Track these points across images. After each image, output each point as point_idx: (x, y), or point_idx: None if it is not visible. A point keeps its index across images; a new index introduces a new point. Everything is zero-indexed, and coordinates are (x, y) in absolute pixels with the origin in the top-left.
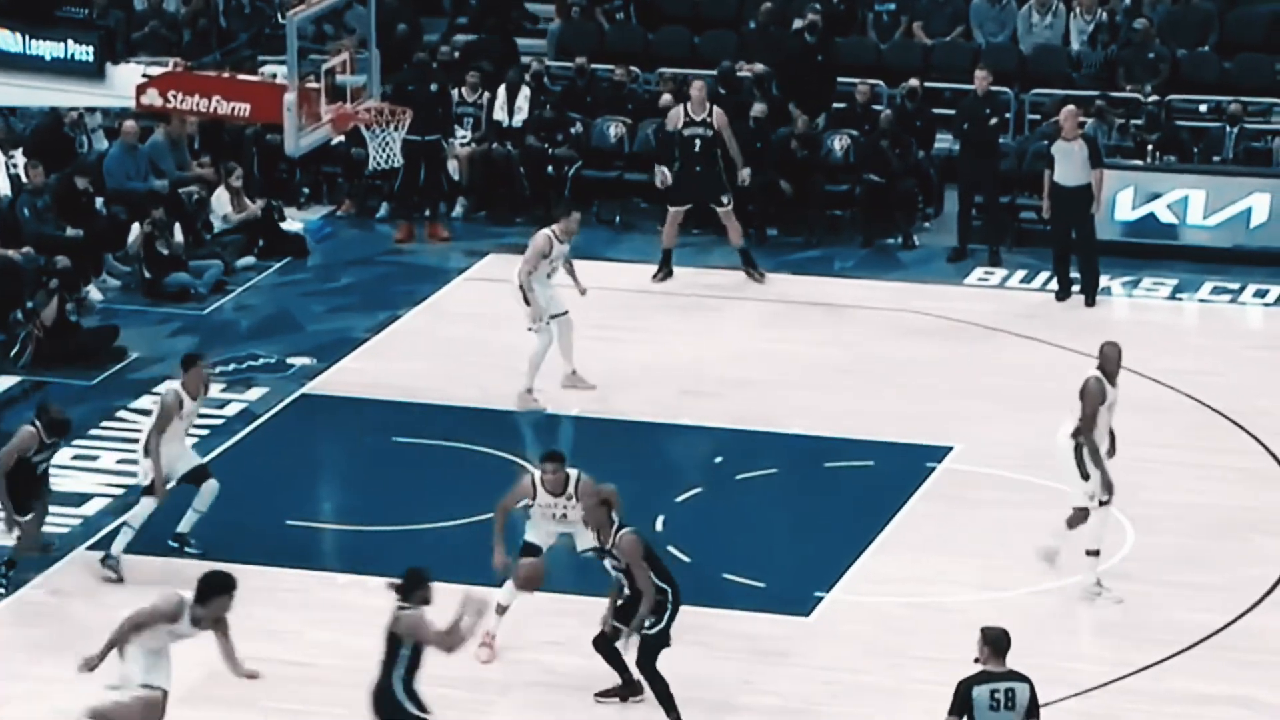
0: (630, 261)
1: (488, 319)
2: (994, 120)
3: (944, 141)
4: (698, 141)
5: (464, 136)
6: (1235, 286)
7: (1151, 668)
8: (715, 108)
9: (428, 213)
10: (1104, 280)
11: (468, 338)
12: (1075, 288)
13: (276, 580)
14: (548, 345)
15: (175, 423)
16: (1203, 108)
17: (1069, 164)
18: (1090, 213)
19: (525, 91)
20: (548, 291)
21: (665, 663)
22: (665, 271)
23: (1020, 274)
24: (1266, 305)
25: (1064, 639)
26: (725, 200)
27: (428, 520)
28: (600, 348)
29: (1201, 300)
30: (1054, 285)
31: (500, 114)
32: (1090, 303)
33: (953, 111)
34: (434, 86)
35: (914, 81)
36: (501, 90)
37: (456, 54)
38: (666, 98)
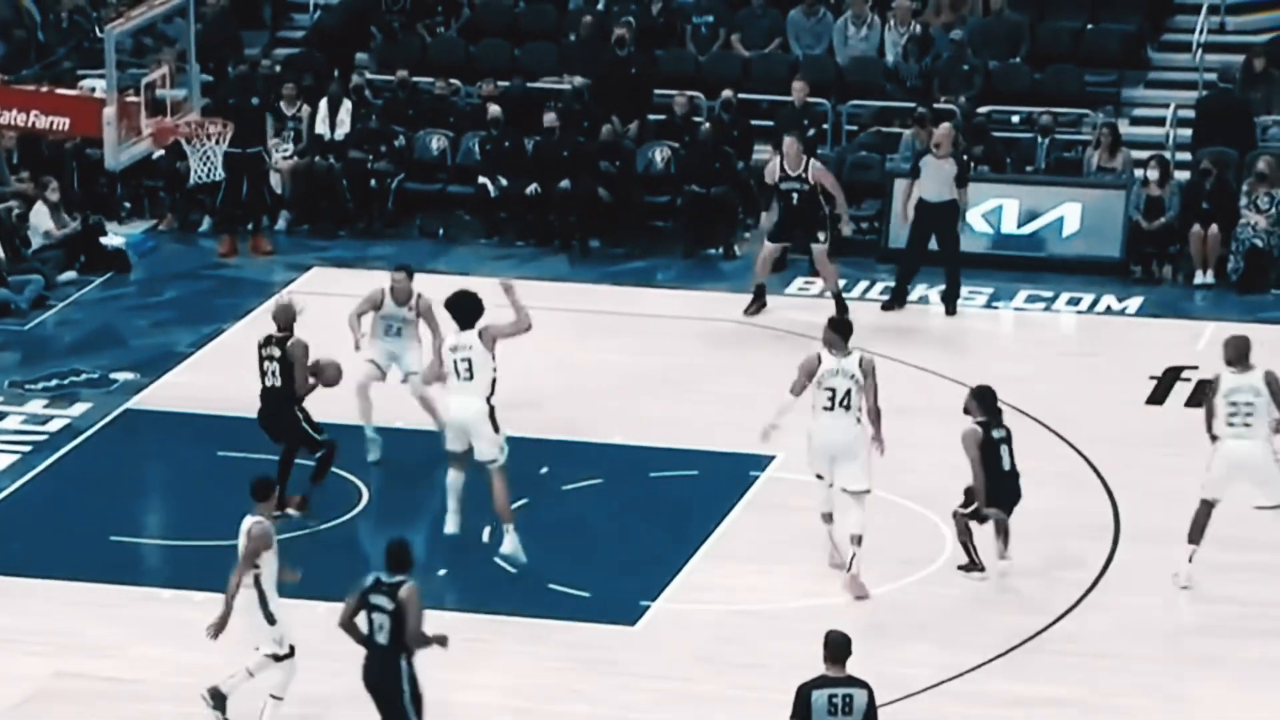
0: (454, 274)
1: (311, 332)
2: (811, 131)
3: (762, 153)
4: (794, 195)
5: (286, 150)
6: (1049, 294)
7: (973, 671)
8: (811, 160)
9: (250, 226)
10: (921, 289)
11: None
12: (910, 299)
13: (100, 596)
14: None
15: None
16: (1015, 118)
17: (937, 179)
18: (955, 227)
19: (347, 105)
20: (386, 345)
21: (490, 671)
22: (759, 304)
23: (841, 282)
24: (1079, 313)
25: (886, 644)
26: (821, 238)
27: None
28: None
29: (1016, 309)
30: (876, 294)
31: (322, 127)
32: (951, 311)
33: (771, 123)
34: (254, 99)
35: (729, 93)
36: (323, 104)
37: (278, 67)
38: (766, 154)
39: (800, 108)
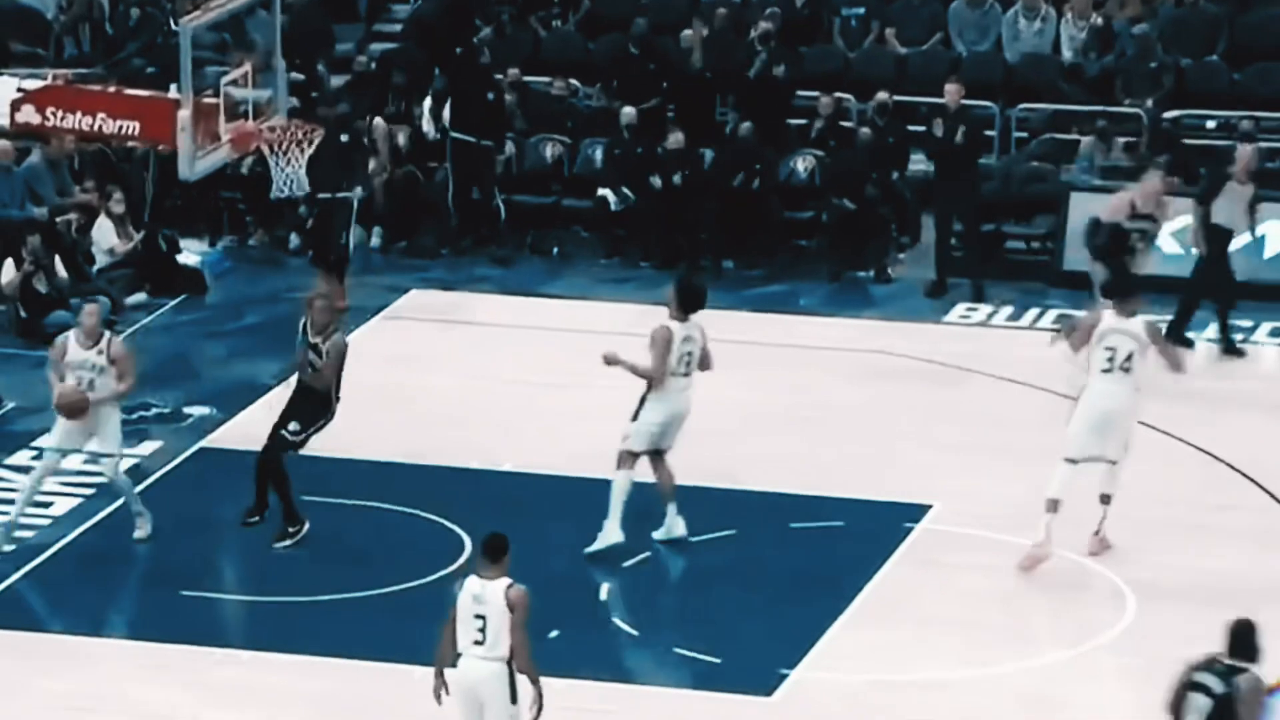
0: (569, 298)
1: (410, 363)
2: (961, 139)
3: (921, 163)
4: (1140, 235)
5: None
6: (1247, 324)
7: None
8: (1164, 199)
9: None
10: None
11: (387, 384)
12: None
13: (170, 658)
14: None
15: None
16: (1210, 124)
17: (1236, 208)
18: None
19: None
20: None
21: None
22: None
23: (1007, 310)
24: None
25: (1066, 717)
26: None
27: (341, 589)
28: (541, 395)
29: (1209, 340)
30: (1047, 323)
31: (427, 127)
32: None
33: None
34: (344, 136)
35: (884, 95)
36: (427, 103)
37: (373, 64)
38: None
39: (955, 113)
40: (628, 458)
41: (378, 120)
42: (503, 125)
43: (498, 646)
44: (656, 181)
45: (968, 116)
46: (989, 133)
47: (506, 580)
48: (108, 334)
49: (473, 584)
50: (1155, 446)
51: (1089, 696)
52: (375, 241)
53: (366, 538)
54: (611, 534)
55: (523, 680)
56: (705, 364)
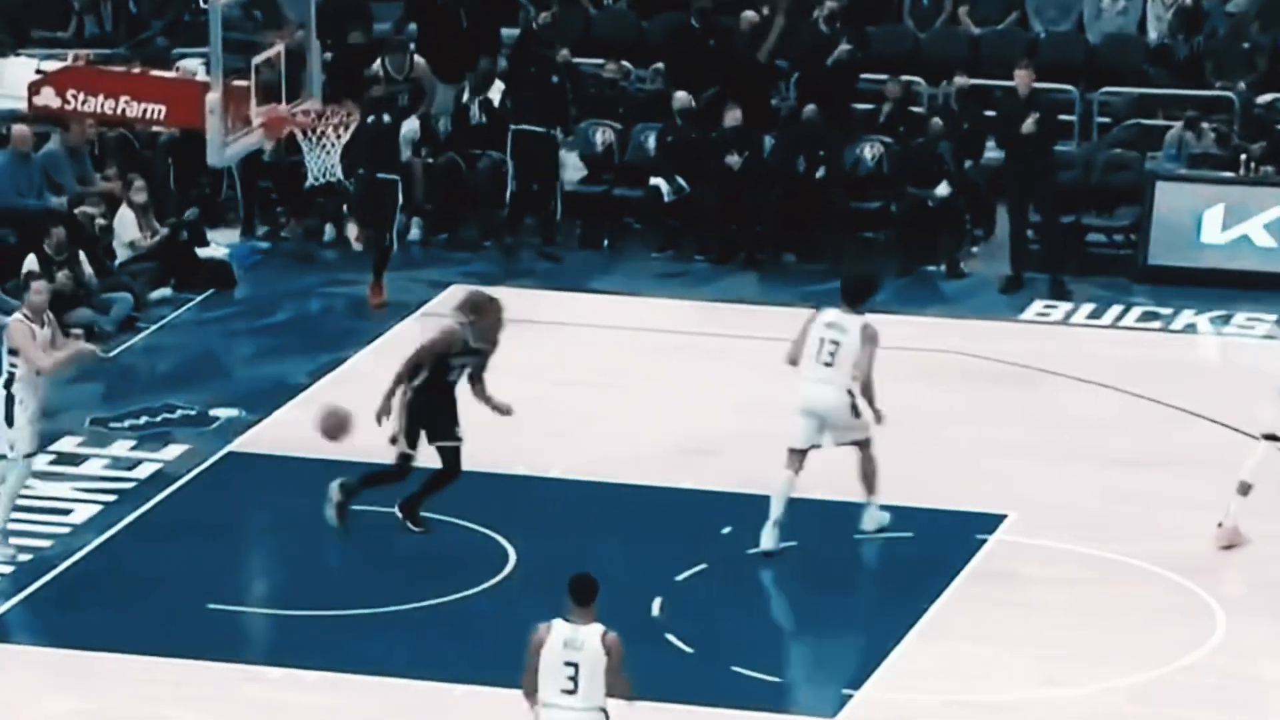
0: (620, 293)
1: None
2: (1033, 125)
3: (994, 151)
4: None
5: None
6: None
7: None
8: None
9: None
10: (1188, 315)
11: None
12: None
13: (196, 675)
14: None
15: None
16: None
17: None
18: None
19: (499, 85)
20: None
21: None
22: None
23: (1087, 308)
24: None
25: None
26: None
27: (377, 603)
28: (585, 396)
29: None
30: (1132, 321)
31: (472, 110)
32: None
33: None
34: (387, 117)
35: (962, 79)
36: (468, 85)
37: (413, 44)
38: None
39: (1025, 99)
40: (791, 456)
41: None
42: (566, 112)
43: (593, 696)
44: (732, 160)
45: (1041, 102)
46: (1067, 117)
47: (600, 626)
48: (50, 315)
49: (561, 629)
50: (1244, 453)
51: (1169, 717)
52: (415, 233)
53: (405, 548)
54: (766, 539)
55: None
56: (857, 366)
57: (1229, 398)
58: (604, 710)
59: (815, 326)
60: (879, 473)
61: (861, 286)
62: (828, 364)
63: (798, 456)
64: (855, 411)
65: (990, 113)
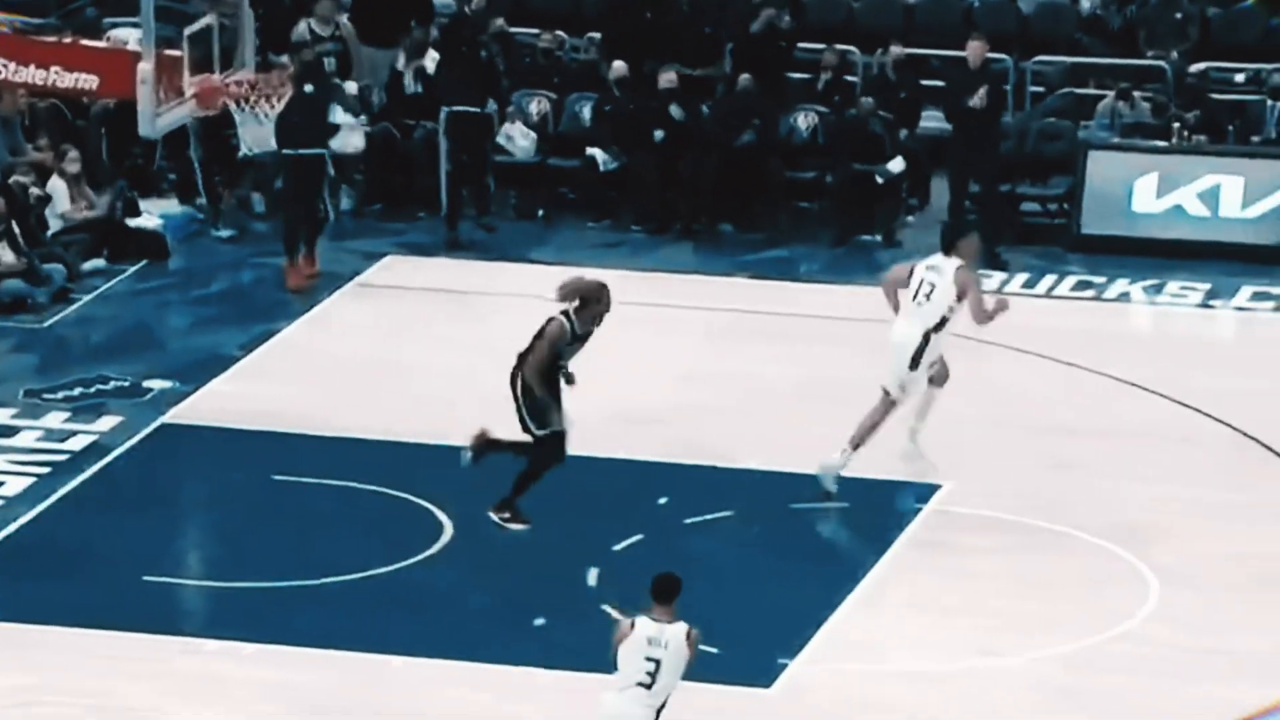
0: (555, 264)
1: (385, 333)
2: (983, 98)
3: (931, 120)
4: None
5: (353, 124)
6: (1278, 291)
7: None
8: None
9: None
10: (1121, 284)
11: (361, 356)
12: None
13: (132, 648)
14: None
15: None
16: (1239, 78)
17: None
18: None
19: (433, 55)
20: None
21: None
22: None
23: (1022, 277)
24: None
25: (1073, 714)
26: None
27: (314, 575)
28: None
29: (1239, 308)
30: (1066, 290)
31: (407, 78)
32: None
33: (940, 84)
34: (309, 87)
35: (897, 48)
36: (401, 55)
37: (345, 16)
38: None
39: (976, 71)
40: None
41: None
42: (499, 88)
43: (661, 694)
44: (658, 134)
45: (990, 75)
46: (1004, 87)
47: (684, 625)
48: None
49: (646, 627)
50: (1179, 423)
51: (1108, 688)
52: (347, 204)
53: (341, 520)
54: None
55: None
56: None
57: (1163, 367)
58: (658, 711)
59: (919, 269)
60: (873, 433)
61: (956, 234)
62: (921, 304)
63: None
64: (914, 363)
65: (927, 82)
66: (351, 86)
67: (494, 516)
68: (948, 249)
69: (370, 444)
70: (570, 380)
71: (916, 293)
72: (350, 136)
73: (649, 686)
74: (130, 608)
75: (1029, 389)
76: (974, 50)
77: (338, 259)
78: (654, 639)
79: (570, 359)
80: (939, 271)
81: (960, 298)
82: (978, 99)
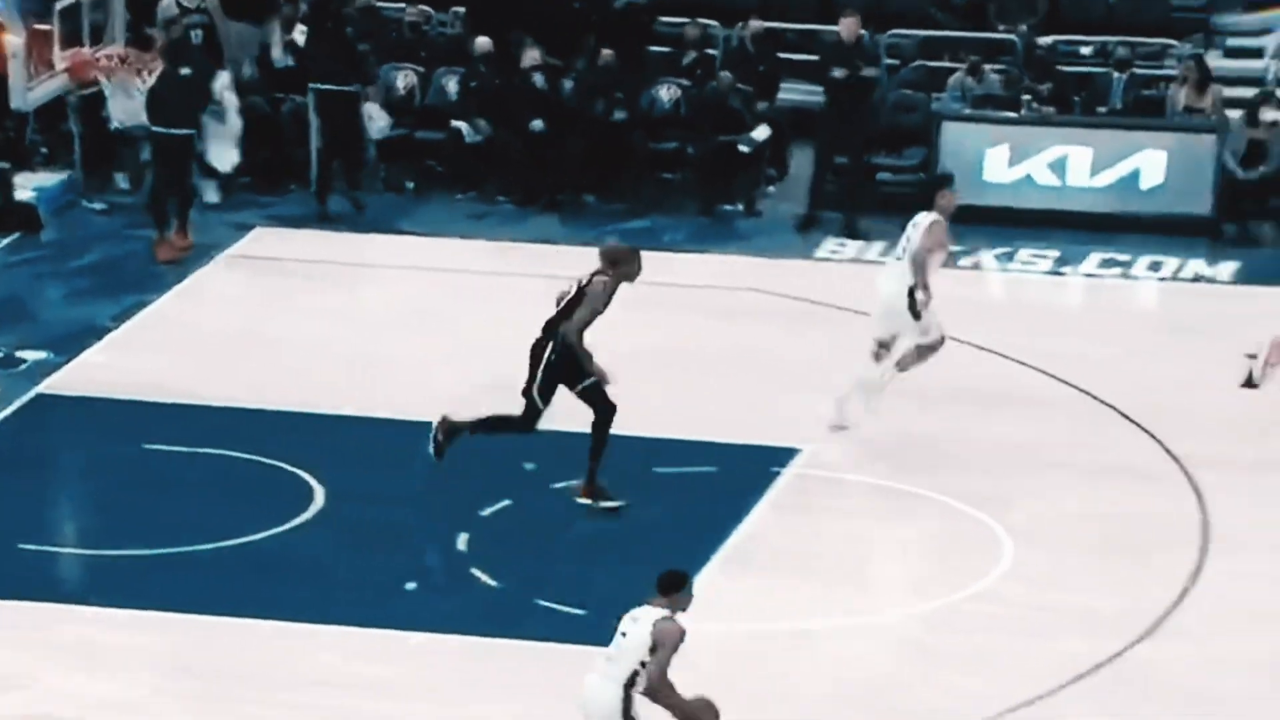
0: (424, 234)
1: (256, 304)
2: (871, 70)
3: (789, 92)
4: None
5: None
6: (1125, 258)
7: (1034, 703)
8: None
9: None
10: (976, 252)
11: (232, 327)
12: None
13: (5, 616)
14: None
15: None
16: (1086, 50)
17: None
18: None
19: (301, 29)
20: None
21: (469, 705)
22: None
23: (879, 245)
24: (1161, 280)
25: (935, 670)
26: None
27: (187, 542)
28: (390, 336)
29: (1087, 274)
30: None
31: (277, 52)
32: None
33: (800, 57)
34: (185, 70)
35: (756, 22)
36: (277, 29)
37: None
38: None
39: (850, 46)
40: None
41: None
42: (364, 67)
43: (623, 668)
44: (536, 124)
45: (863, 50)
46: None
47: (664, 612)
48: None
49: (639, 609)
50: (1031, 387)
51: (965, 645)
52: (213, 197)
53: (213, 488)
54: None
55: (640, 710)
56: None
57: (1015, 333)
58: (629, 691)
59: (909, 225)
60: (908, 371)
61: (934, 184)
62: (900, 257)
63: (879, 347)
64: (914, 312)
65: (785, 55)
66: (232, 101)
67: (583, 502)
68: (929, 204)
69: (241, 413)
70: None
71: (900, 245)
72: (226, 152)
73: (611, 658)
74: (5, 576)
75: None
76: (846, 26)
77: (208, 231)
78: (634, 616)
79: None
80: (915, 226)
81: (930, 250)
82: (840, 72)
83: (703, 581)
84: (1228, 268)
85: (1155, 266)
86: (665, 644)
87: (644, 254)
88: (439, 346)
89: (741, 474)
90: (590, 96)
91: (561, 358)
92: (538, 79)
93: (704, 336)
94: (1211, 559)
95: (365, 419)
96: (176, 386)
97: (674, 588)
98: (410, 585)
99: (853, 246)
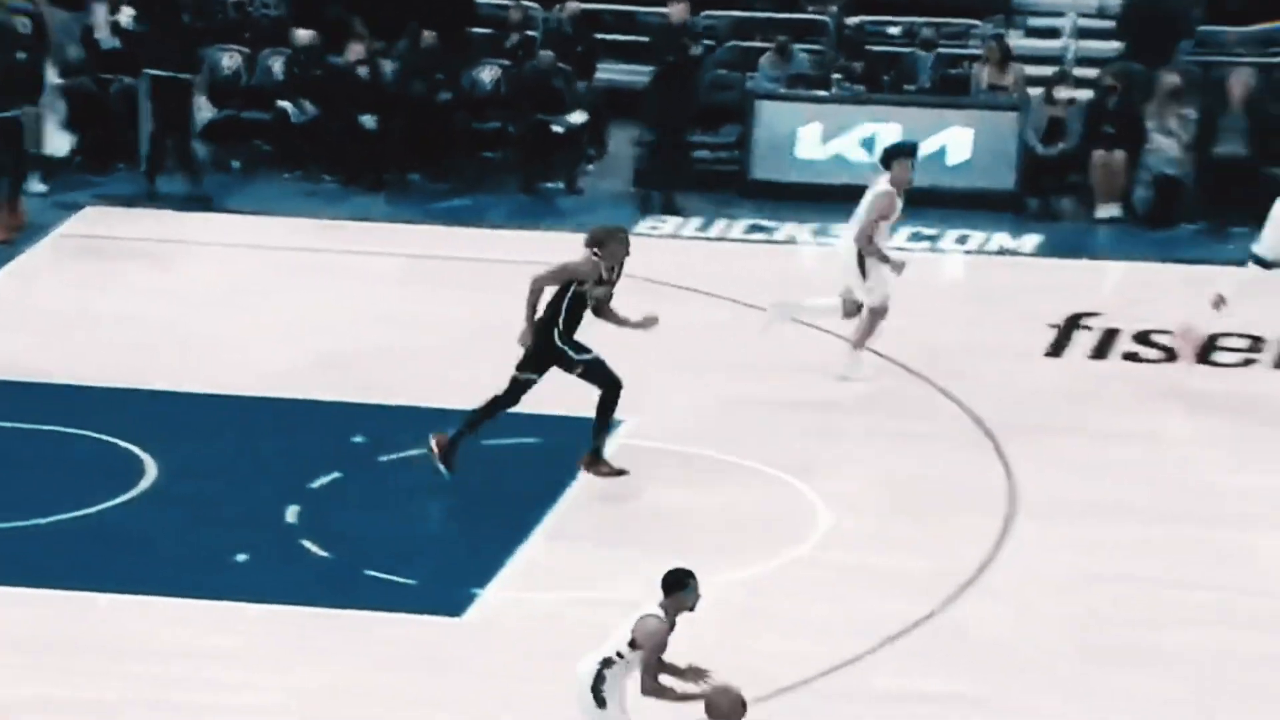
0: (252, 213)
1: (87, 283)
2: (698, 50)
3: (606, 72)
4: None
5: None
6: (933, 232)
7: (851, 664)
8: None
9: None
10: (790, 227)
11: (64, 306)
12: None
13: None
14: None
15: None
16: (893, 30)
17: None
18: None
19: (129, 11)
20: None
21: (301, 671)
22: None
23: (696, 221)
24: (967, 253)
25: (751, 633)
26: None
27: (20, 517)
28: (219, 313)
29: (897, 248)
30: (738, 234)
31: (102, 32)
32: None
33: (617, 37)
34: (21, 55)
35: (574, 4)
36: (101, 9)
37: None
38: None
39: (679, 28)
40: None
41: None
42: (196, 54)
43: (603, 650)
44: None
45: (689, 31)
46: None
47: (653, 611)
48: None
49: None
50: (844, 357)
51: (785, 609)
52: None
53: (45, 463)
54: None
55: (613, 695)
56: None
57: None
58: (603, 670)
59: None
60: (869, 336)
61: (893, 153)
62: (855, 218)
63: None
64: (863, 272)
65: (602, 36)
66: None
67: (587, 472)
68: (886, 163)
69: (73, 390)
70: (650, 323)
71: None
72: (58, 140)
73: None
74: None
75: (706, 328)
76: (677, 9)
77: (38, 211)
78: (636, 612)
79: (600, 299)
80: (869, 188)
81: (883, 218)
82: (669, 56)
83: (527, 551)
84: (1031, 240)
85: (962, 240)
86: (642, 643)
87: (470, 230)
88: (267, 323)
89: (565, 446)
90: (413, 78)
91: (558, 344)
92: (362, 72)
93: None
94: (1019, 523)
95: (196, 395)
96: (8, 364)
97: (675, 586)
98: (241, 557)
99: (671, 223)
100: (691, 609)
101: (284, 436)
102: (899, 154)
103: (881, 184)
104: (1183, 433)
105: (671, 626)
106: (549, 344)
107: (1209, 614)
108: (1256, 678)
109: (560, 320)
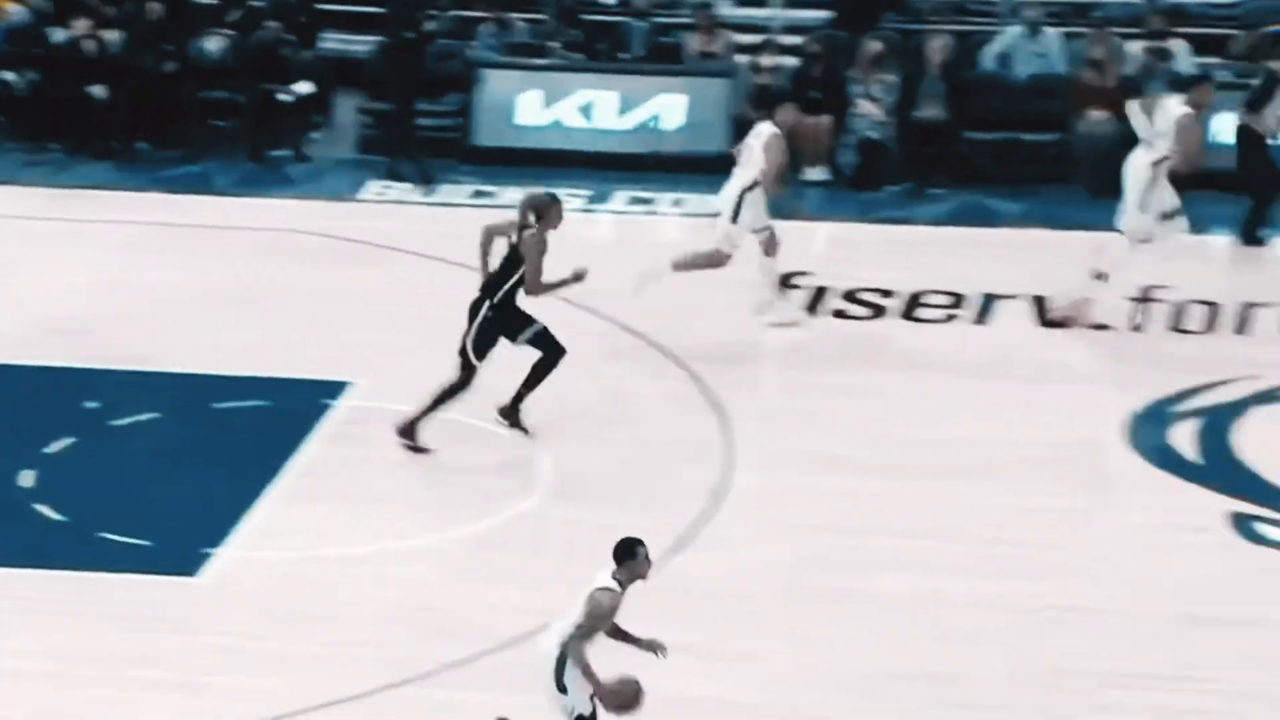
0: None
1: None
2: (432, 23)
3: (330, 42)
4: None
5: None
6: (650, 196)
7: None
8: None
9: None
10: (512, 192)
11: None
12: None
13: None
14: None
15: None
16: (610, 0)
17: None
18: None
19: None
20: None
21: (32, 633)
22: None
23: (421, 188)
24: (683, 215)
25: (475, 588)
26: None
27: None
28: None
29: (616, 211)
30: (463, 199)
31: None
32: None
33: (340, 8)
34: None
35: None
36: None
37: None
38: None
39: (413, 2)
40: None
41: None
42: None
43: (563, 625)
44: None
45: (422, 5)
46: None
47: (606, 582)
48: None
49: (600, 574)
50: (565, 316)
51: (509, 563)
52: None
53: None
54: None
55: (574, 681)
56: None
57: (551, 268)
58: (564, 650)
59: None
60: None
61: (769, 98)
62: (742, 165)
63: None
64: (735, 215)
65: (327, 6)
66: None
67: (503, 422)
68: (768, 114)
69: None
70: (580, 277)
71: (741, 154)
72: None
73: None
74: None
75: (432, 291)
76: None
77: None
78: (593, 581)
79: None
80: (757, 135)
81: (773, 166)
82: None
83: (260, 511)
84: None
85: (678, 203)
86: (589, 611)
87: (198, 198)
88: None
89: (295, 408)
90: (140, 48)
91: (499, 313)
92: (88, 46)
93: (255, 276)
94: (739, 475)
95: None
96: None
97: (625, 555)
98: None
99: (397, 189)
100: (644, 577)
101: (16, 403)
102: (781, 100)
103: (768, 128)
104: (887, 386)
105: (622, 594)
106: (513, 308)
107: (913, 558)
108: (955, 619)
109: (513, 288)
